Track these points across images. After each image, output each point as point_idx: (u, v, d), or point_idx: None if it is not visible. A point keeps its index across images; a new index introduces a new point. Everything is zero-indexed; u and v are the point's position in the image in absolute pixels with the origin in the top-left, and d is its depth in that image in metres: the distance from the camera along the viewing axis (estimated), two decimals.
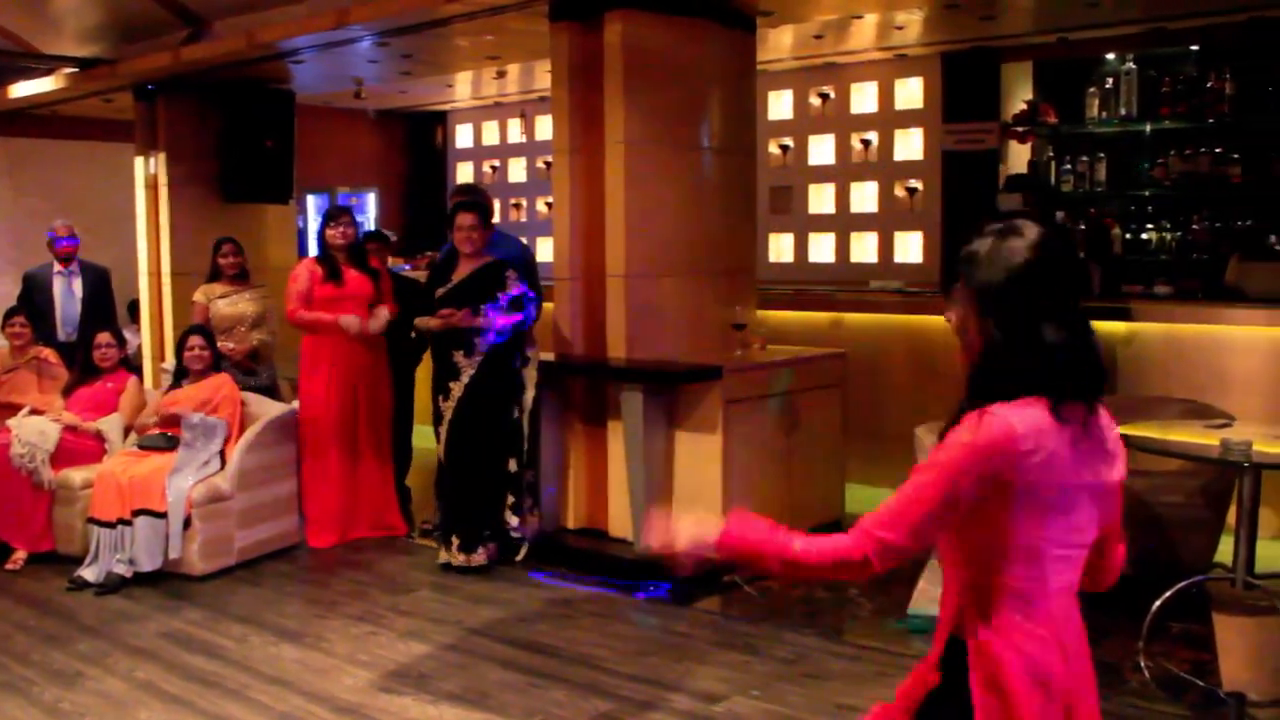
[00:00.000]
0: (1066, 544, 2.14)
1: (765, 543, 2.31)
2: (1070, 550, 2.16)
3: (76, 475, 6.63)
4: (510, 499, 6.44)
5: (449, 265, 6.49)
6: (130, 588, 6.16)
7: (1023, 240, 2.16)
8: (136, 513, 6.20)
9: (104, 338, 7.19)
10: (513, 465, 6.42)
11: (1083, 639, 2.22)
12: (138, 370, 8.59)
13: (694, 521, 2.41)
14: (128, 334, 8.39)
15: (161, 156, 9.57)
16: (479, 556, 6.35)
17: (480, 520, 6.38)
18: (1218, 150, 8.45)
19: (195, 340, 6.88)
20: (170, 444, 6.57)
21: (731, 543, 2.36)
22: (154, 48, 8.80)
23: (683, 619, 5.67)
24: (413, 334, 6.66)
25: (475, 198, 7.07)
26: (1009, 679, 2.09)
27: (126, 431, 6.99)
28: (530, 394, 6.45)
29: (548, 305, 7.00)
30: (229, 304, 7.50)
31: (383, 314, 7.07)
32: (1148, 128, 8.71)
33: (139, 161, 9.78)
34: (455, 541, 6.36)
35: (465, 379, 6.32)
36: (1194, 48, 8.58)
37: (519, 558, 6.47)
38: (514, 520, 6.45)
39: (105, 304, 8.78)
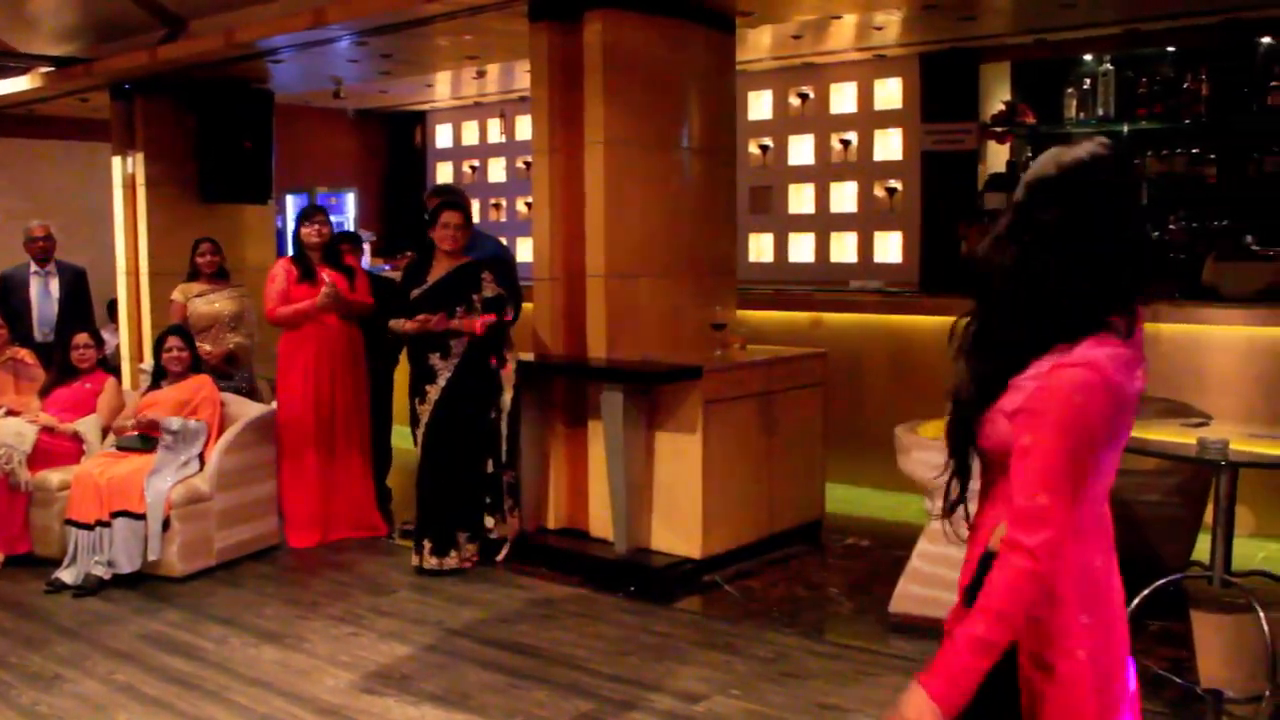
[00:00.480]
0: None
1: (954, 655, 2.05)
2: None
3: (54, 477, 6.59)
4: (487, 500, 6.42)
5: (424, 267, 6.47)
6: (109, 590, 6.12)
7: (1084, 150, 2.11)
8: (115, 514, 6.17)
9: (81, 338, 7.15)
10: (490, 466, 6.41)
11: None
12: (116, 371, 8.56)
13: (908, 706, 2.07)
14: (106, 334, 8.35)
15: (139, 156, 9.53)
16: (451, 560, 6.32)
17: (454, 523, 6.36)
18: (1194, 151, 8.52)
19: (174, 341, 6.85)
20: (148, 445, 6.54)
21: (938, 690, 2.04)
22: (131, 47, 8.75)
23: (663, 619, 5.68)
24: (389, 335, 6.65)
25: (454, 198, 7.09)
26: (1064, 589, 2.07)
27: (104, 433, 6.95)
28: (508, 395, 6.44)
29: (527, 305, 7.01)
30: (206, 303, 7.48)
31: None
32: (1125, 128, 8.76)
33: (116, 161, 9.72)
34: (427, 545, 6.34)
35: (441, 382, 6.31)
36: (1170, 49, 8.65)
37: (499, 558, 6.46)
38: (489, 521, 6.44)
39: (82, 304, 8.73)
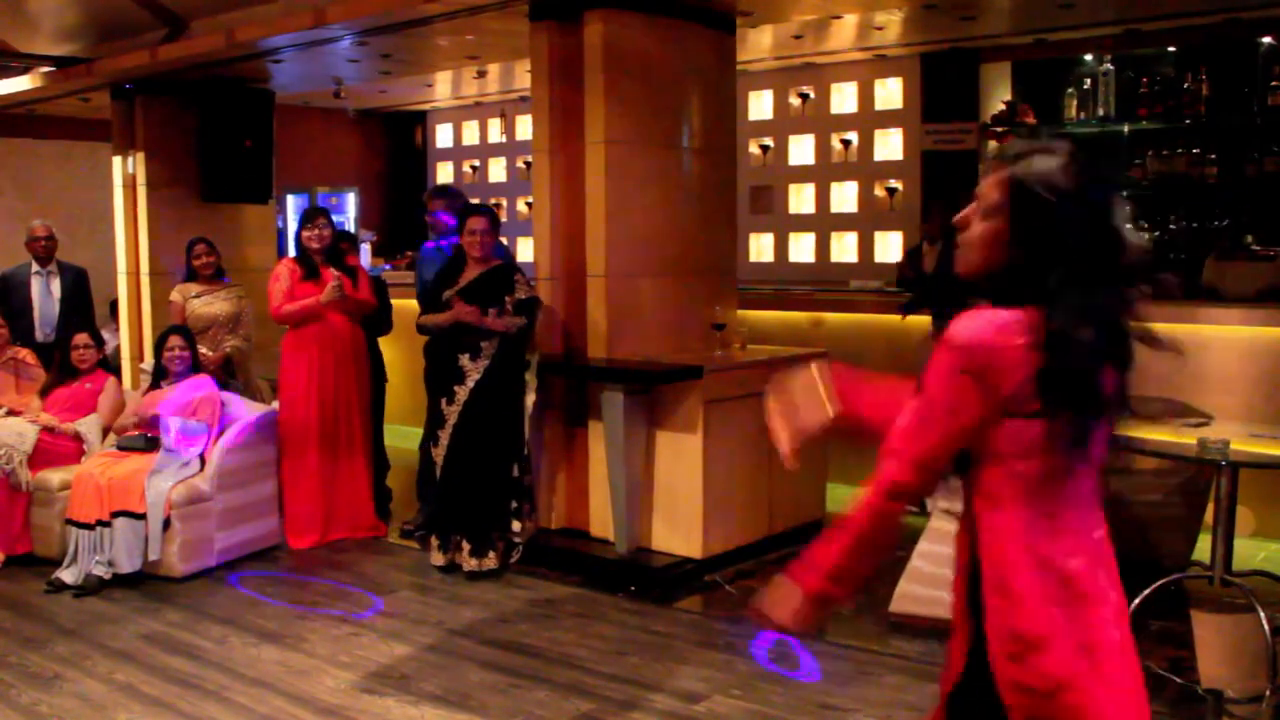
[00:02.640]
0: None
1: (809, 563, 2.34)
2: None
3: (54, 476, 6.59)
4: (514, 504, 6.42)
5: (456, 268, 6.49)
6: (109, 589, 6.13)
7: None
8: (115, 514, 6.17)
9: (82, 338, 7.16)
10: (515, 470, 6.42)
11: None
12: (116, 371, 8.56)
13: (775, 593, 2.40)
14: (106, 334, 8.35)
15: (140, 156, 9.52)
16: (490, 560, 6.32)
17: (490, 523, 6.36)
18: (1194, 151, 8.51)
19: (175, 340, 6.85)
20: (150, 445, 6.54)
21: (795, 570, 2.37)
22: (131, 47, 8.74)
23: (663, 619, 5.68)
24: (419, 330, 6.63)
25: (451, 199, 7.14)
26: (1019, 583, 2.15)
27: (105, 433, 6.95)
28: (531, 397, 6.45)
29: None
30: (203, 304, 7.48)
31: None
32: (1126, 128, 8.77)
33: (117, 161, 9.72)
34: (466, 546, 6.32)
35: (470, 383, 6.31)
36: (1170, 49, 8.65)
37: (513, 560, 6.46)
38: (517, 525, 6.43)
39: (83, 304, 8.73)
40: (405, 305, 8.48)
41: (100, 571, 6.15)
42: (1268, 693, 4.53)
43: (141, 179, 9.52)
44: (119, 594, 6.09)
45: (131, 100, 9.53)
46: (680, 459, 6.36)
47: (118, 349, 9.78)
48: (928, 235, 9.09)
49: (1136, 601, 5.01)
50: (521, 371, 6.43)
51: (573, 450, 6.83)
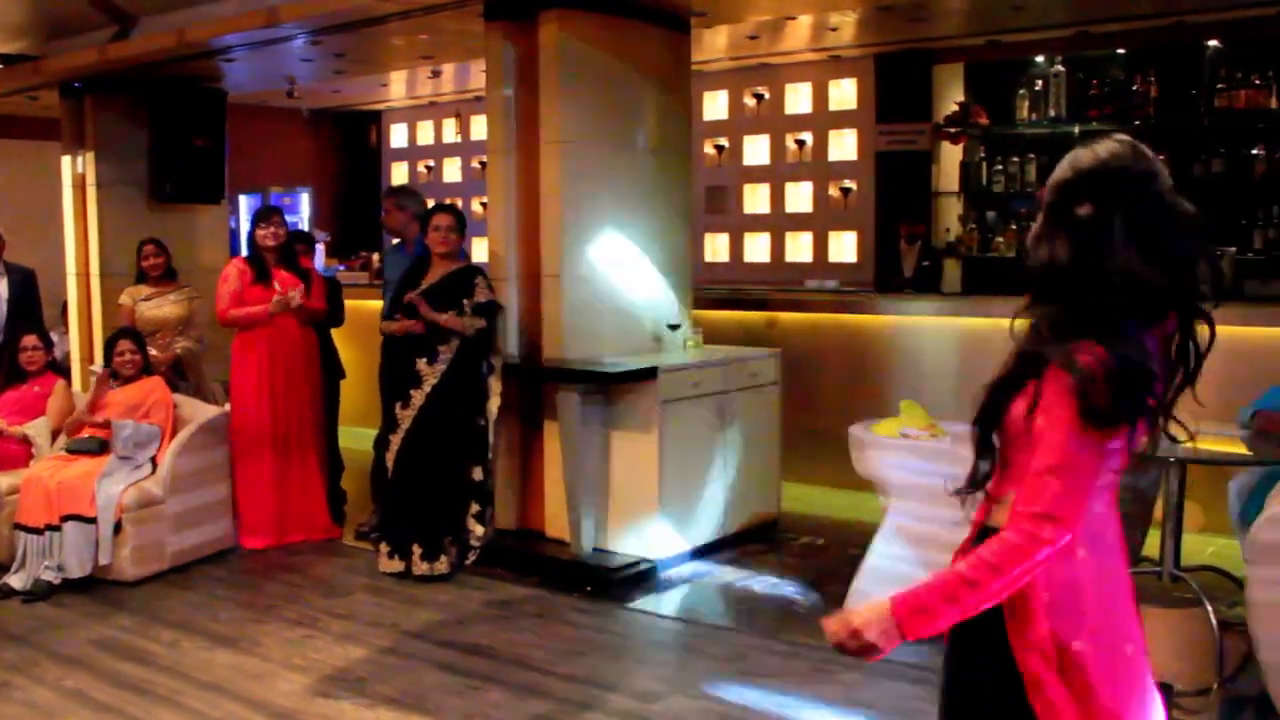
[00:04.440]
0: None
1: (935, 587, 2.11)
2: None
3: (2, 480, 6.49)
4: (475, 507, 6.39)
5: (420, 270, 6.47)
6: (59, 595, 6.05)
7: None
8: (65, 518, 6.09)
9: (30, 340, 7.06)
10: (477, 474, 6.38)
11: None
12: (66, 373, 8.45)
13: (867, 612, 2.18)
14: (55, 336, 8.24)
15: (89, 155, 9.40)
16: (441, 565, 6.29)
17: (442, 528, 6.32)
18: None
19: (125, 344, 6.78)
20: (101, 448, 6.47)
21: (902, 611, 2.11)
22: (81, 45, 8.64)
23: (620, 619, 5.68)
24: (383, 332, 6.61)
25: (401, 199, 7.16)
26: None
27: (54, 436, 6.86)
28: (495, 401, 6.43)
29: None
30: (152, 307, 7.40)
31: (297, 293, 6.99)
32: (1077, 129, 8.86)
33: (66, 161, 9.59)
34: (417, 550, 6.28)
35: (428, 387, 6.27)
36: (1120, 51, 8.75)
37: (469, 562, 6.43)
38: (479, 529, 6.41)
39: (32, 306, 8.60)
40: (362, 306, 8.45)
41: (49, 577, 6.07)
42: (1215, 685, 4.60)
43: (91, 179, 9.40)
44: (69, 599, 6.02)
45: (81, 99, 9.41)
46: (636, 459, 6.37)
47: (68, 353, 9.66)
48: (907, 236, 9.16)
49: None
50: (479, 377, 6.40)
51: (528, 451, 6.82)
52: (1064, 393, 2.08)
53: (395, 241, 7.51)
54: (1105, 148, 2.21)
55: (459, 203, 12.12)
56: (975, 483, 2.30)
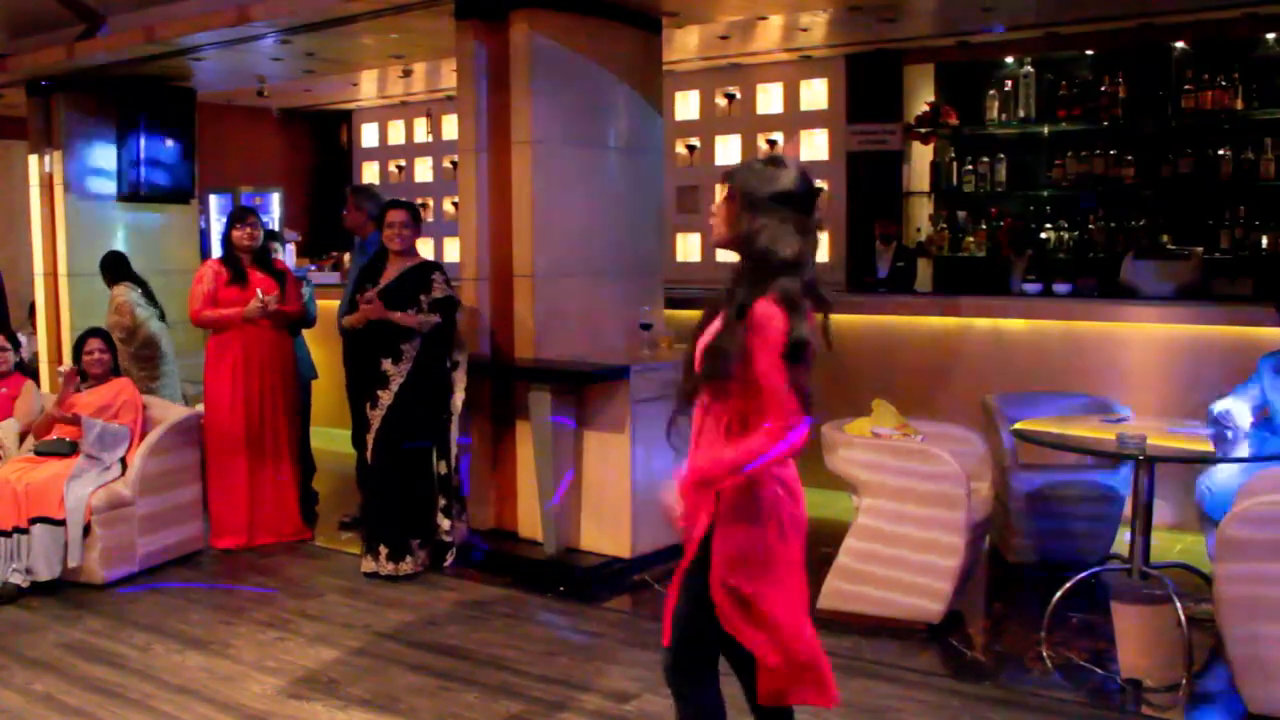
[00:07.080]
0: None
1: (711, 464, 3.28)
2: None
3: None
4: (441, 501, 6.39)
5: (377, 268, 6.43)
6: (27, 598, 5.99)
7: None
8: (33, 520, 6.04)
9: None
10: (442, 468, 6.38)
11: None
12: (35, 374, 8.38)
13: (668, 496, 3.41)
14: (23, 337, 8.18)
15: (57, 155, 9.34)
16: (407, 565, 6.27)
17: (408, 529, 6.31)
18: (1112, 152, 8.70)
19: (94, 343, 6.74)
20: (70, 449, 6.42)
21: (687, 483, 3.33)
22: (48, 43, 8.58)
23: (593, 619, 5.69)
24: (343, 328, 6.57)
25: (359, 199, 7.26)
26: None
27: (21, 437, 6.80)
28: (460, 396, 6.41)
29: None
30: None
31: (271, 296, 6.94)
32: (1046, 129, 8.94)
33: (33, 160, 9.52)
34: (383, 551, 6.29)
35: (394, 387, 6.25)
36: (1089, 53, 8.82)
37: (447, 563, 6.41)
38: (445, 524, 6.39)
39: None
40: (333, 306, 8.40)
41: (17, 579, 6.02)
42: (1184, 681, 4.64)
43: (59, 178, 9.34)
44: (37, 602, 5.97)
45: (48, 97, 9.35)
46: (608, 459, 6.37)
47: (36, 354, 9.59)
48: (881, 235, 9.20)
49: (1059, 595, 5.11)
50: (444, 372, 6.39)
51: (500, 451, 6.82)
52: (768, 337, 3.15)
53: (358, 240, 7.50)
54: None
55: (430, 202, 12.14)
56: (673, 419, 3.58)
